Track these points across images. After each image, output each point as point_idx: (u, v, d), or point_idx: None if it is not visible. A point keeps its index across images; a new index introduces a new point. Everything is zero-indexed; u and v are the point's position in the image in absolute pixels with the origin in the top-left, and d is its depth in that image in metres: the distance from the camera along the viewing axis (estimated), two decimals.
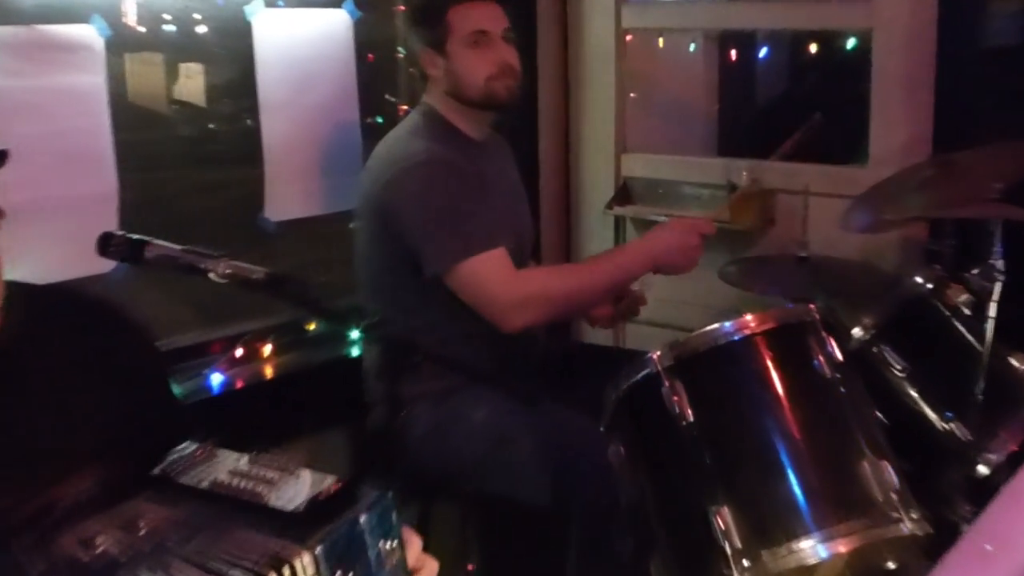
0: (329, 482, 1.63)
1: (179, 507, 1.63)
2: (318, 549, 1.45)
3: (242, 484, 1.66)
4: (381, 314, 2.88)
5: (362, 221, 2.96)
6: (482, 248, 2.72)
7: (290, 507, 1.58)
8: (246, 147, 3.33)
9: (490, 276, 2.72)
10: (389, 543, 1.59)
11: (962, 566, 1.27)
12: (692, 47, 4.24)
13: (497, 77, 2.90)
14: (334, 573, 1.46)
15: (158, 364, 2.03)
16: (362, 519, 1.56)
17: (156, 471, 1.74)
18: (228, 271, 1.84)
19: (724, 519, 2.04)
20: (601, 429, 2.33)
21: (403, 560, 1.61)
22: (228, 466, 1.73)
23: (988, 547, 1.24)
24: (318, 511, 1.57)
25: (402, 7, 3.77)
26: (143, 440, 1.77)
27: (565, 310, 2.93)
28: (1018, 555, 1.25)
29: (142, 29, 3.07)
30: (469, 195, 2.79)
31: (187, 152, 3.30)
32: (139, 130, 3.12)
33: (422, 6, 3.00)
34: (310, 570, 1.44)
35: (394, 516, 1.61)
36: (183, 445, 1.78)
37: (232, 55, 3.29)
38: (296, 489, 1.64)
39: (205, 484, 1.68)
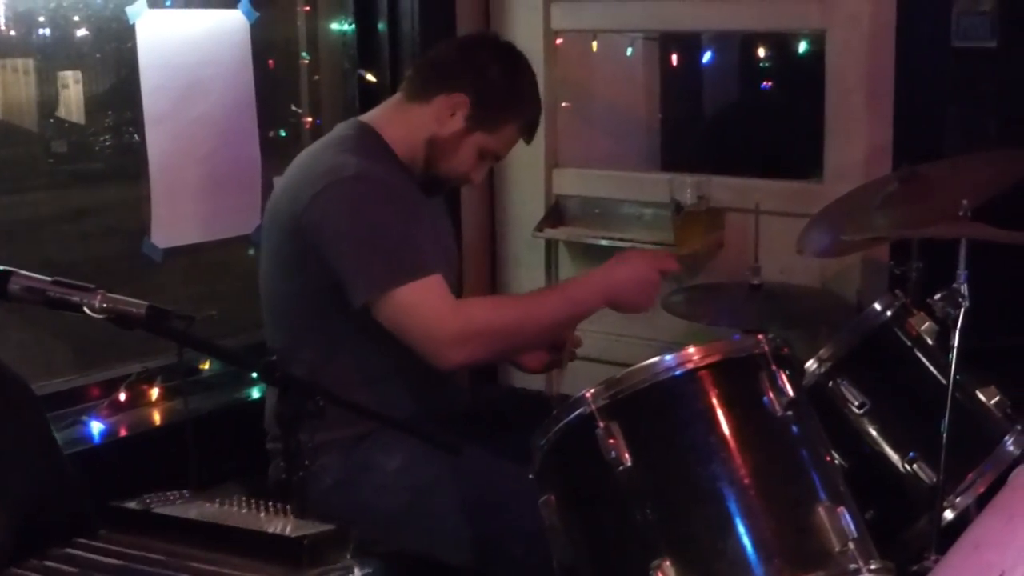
0: (328, 527, 1.81)
1: (159, 539, 1.83)
2: None
3: (239, 518, 1.86)
4: (286, 352, 2.87)
5: (271, 244, 2.92)
6: (418, 274, 2.69)
7: (290, 534, 1.78)
8: (129, 164, 3.32)
9: (427, 305, 2.70)
10: None
11: None
12: (630, 51, 4.29)
13: (460, 181, 3.06)
14: None
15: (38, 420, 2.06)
16: (356, 571, 1.74)
17: (131, 504, 1.93)
18: (105, 305, 1.84)
19: (666, 575, 2.05)
20: (530, 477, 2.34)
21: None
22: (214, 507, 1.94)
23: None
24: (318, 546, 1.75)
25: (307, 8, 3.79)
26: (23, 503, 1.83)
27: (509, 346, 2.92)
28: None
29: (12, 33, 3.06)
30: (403, 216, 2.77)
31: (61, 171, 3.29)
32: (5, 146, 3.11)
33: (504, 91, 2.94)
34: None
35: None
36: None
37: (113, 61, 3.29)
38: (293, 526, 1.83)
39: (192, 514, 1.89)
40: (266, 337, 2.99)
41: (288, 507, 1.90)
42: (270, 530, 1.79)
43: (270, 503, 1.96)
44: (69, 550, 1.83)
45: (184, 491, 2.01)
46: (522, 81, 2.99)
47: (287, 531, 1.79)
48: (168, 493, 1.99)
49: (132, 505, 1.94)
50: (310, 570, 1.70)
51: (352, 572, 1.73)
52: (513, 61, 3.01)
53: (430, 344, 2.70)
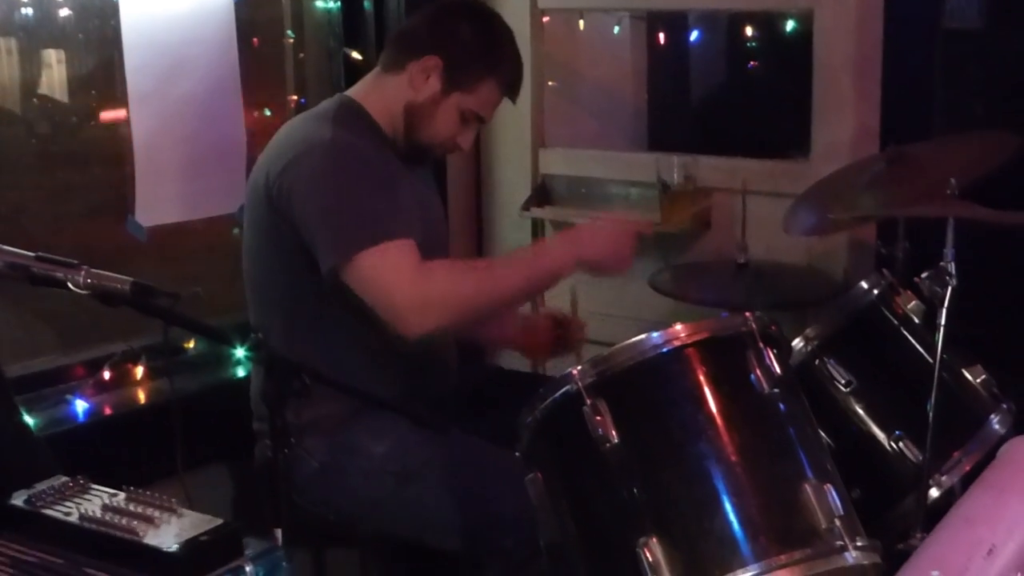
0: (215, 525, 1.68)
1: (40, 542, 1.67)
2: None
3: (116, 519, 1.69)
4: (268, 330, 2.86)
5: (252, 218, 2.90)
6: (383, 238, 2.63)
7: (167, 547, 1.63)
8: (113, 143, 3.31)
9: (391, 269, 2.64)
10: None
11: None
12: (616, 29, 4.29)
13: (448, 147, 3.01)
14: None
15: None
16: (248, 569, 1.63)
17: (17, 501, 1.79)
18: (89, 281, 1.83)
19: (653, 552, 2.05)
20: (516, 454, 2.34)
21: None
22: (102, 501, 1.75)
23: (935, 573, 1.27)
24: (199, 554, 1.62)
25: None
26: None
27: (475, 312, 2.81)
28: None
29: None
30: (374, 183, 2.74)
31: (46, 150, 3.28)
32: None
33: (476, 47, 2.90)
34: None
35: (283, 570, 1.66)
36: (52, 479, 1.81)
37: (97, 40, 3.27)
38: (177, 529, 1.69)
39: (73, 517, 1.70)
40: (250, 316, 2.99)
41: (174, 502, 1.79)
42: (150, 539, 1.67)
43: (165, 497, 1.84)
44: None
45: (79, 478, 1.91)
46: (495, 35, 2.95)
47: (173, 534, 1.68)
48: (68, 481, 1.89)
49: (19, 503, 1.83)
50: None
51: (243, 572, 1.64)
52: (483, 17, 2.98)
53: (393, 308, 2.64)
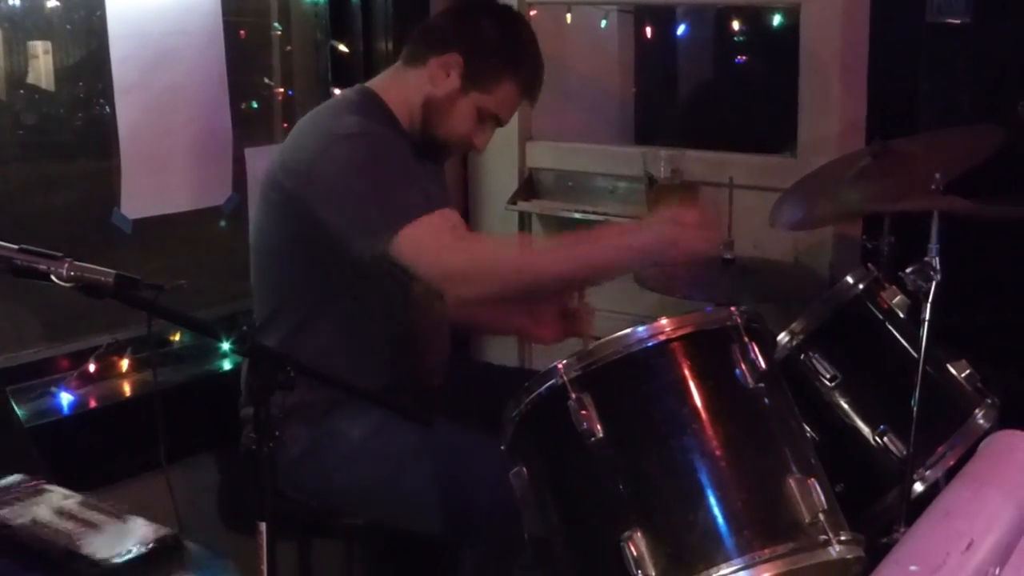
0: (161, 534, 1.68)
1: None
2: None
3: (62, 526, 1.66)
4: (270, 319, 2.87)
5: (266, 209, 2.91)
6: (423, 212, 2.64)
7: (104, 556, 1.61)
8: (99, 135, 3.30)
9: (434, 239, 2.63)
10: None
11: None
12: (604, 23, 4.27)
13: (463, 146, 3.03)
14: None
15: None
16: None
17: None
18: (72, 273, 1.83)
19: (637, 546, 2.05)
20: (502, 448, 2.34)
21: None
22: (55, 504, 1.73)
23: (913, 568, 1.28)
24: (136, 567, 1.61)
25: None
26: None
27: (514, 287, 2.71)
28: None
29: None
30: (404, 168, 2.77)
31: (31, 142, 3.27)
32: None
33: (498, 48, 2.92)
34: None
35: None
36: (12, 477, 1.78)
37: (83, 31, 3.26)
38: (120, 538, 1.68)
39: (20, 521, 1.71)
40: (254, 307, 2.99)
41: (116, 509, 1.77)
42: (86, 550, 1.64)
43: (114, 503, 1.82)
44: None
45: (34, 481, 1.90)
46: (517, 38, 2.97)
47: (112, 546, 1.66)
48: (22, 482, 1.87)
49: None
50: None
51: None
52: (508, 19, 3.00)
53: (435, 275, 2.66)
